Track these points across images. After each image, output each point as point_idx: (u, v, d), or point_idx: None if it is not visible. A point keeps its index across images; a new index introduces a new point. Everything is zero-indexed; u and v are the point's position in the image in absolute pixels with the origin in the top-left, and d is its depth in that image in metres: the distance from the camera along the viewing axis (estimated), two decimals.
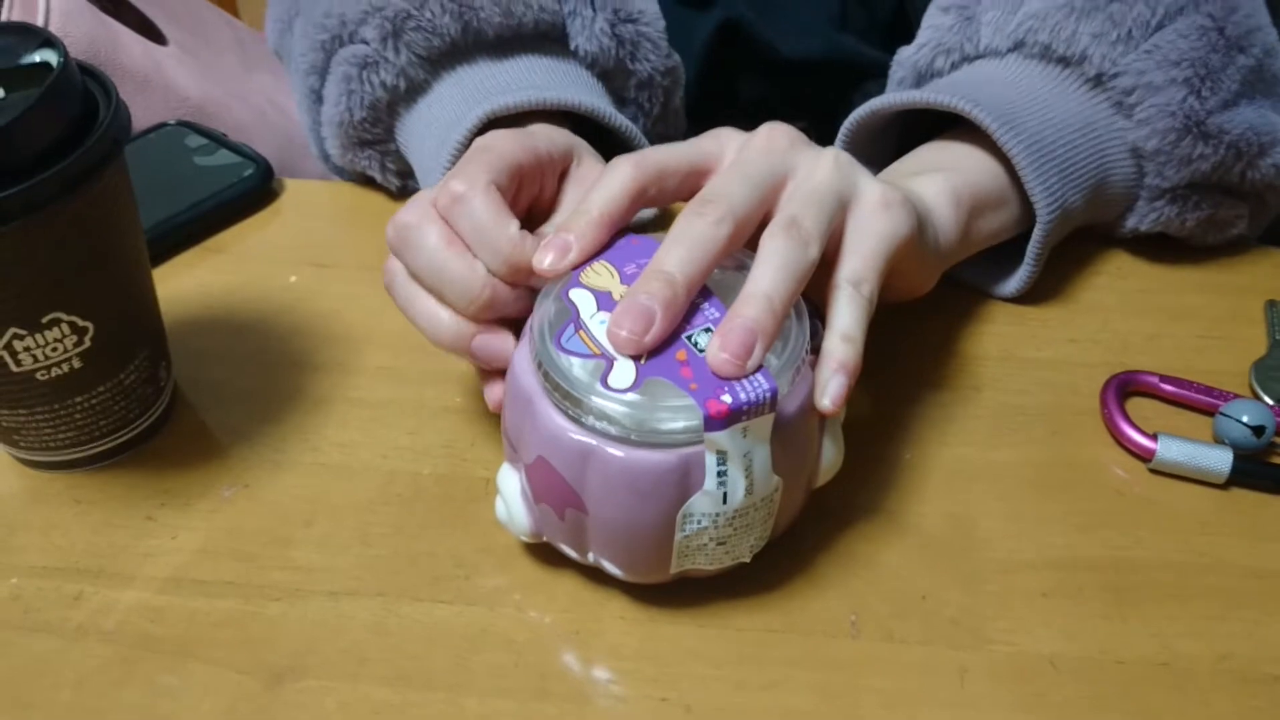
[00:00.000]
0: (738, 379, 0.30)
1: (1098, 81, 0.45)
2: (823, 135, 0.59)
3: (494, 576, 0.36)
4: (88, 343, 0.36)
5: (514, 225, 0.35)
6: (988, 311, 0.47)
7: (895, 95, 0.45)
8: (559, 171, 0.40)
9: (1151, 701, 0.33)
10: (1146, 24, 0.44)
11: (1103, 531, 0.38)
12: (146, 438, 0.41)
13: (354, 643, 0.34)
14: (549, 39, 0.49)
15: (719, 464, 0.31)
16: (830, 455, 0.35)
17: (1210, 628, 0.35)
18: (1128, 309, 0.47)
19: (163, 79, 0.66)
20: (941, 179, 0.43)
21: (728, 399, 0.30)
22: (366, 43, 0.47)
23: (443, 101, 0.48)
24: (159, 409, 0.41)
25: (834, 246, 0.35)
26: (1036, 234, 0.44)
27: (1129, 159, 0.46)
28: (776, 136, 0.37)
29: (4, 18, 0.62)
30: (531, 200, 0.39)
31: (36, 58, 0.35)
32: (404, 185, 0.53)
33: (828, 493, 0.36)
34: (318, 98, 0.51)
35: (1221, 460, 0.39)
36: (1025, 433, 0.42)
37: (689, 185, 0.37)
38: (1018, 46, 0.46)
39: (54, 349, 0.36)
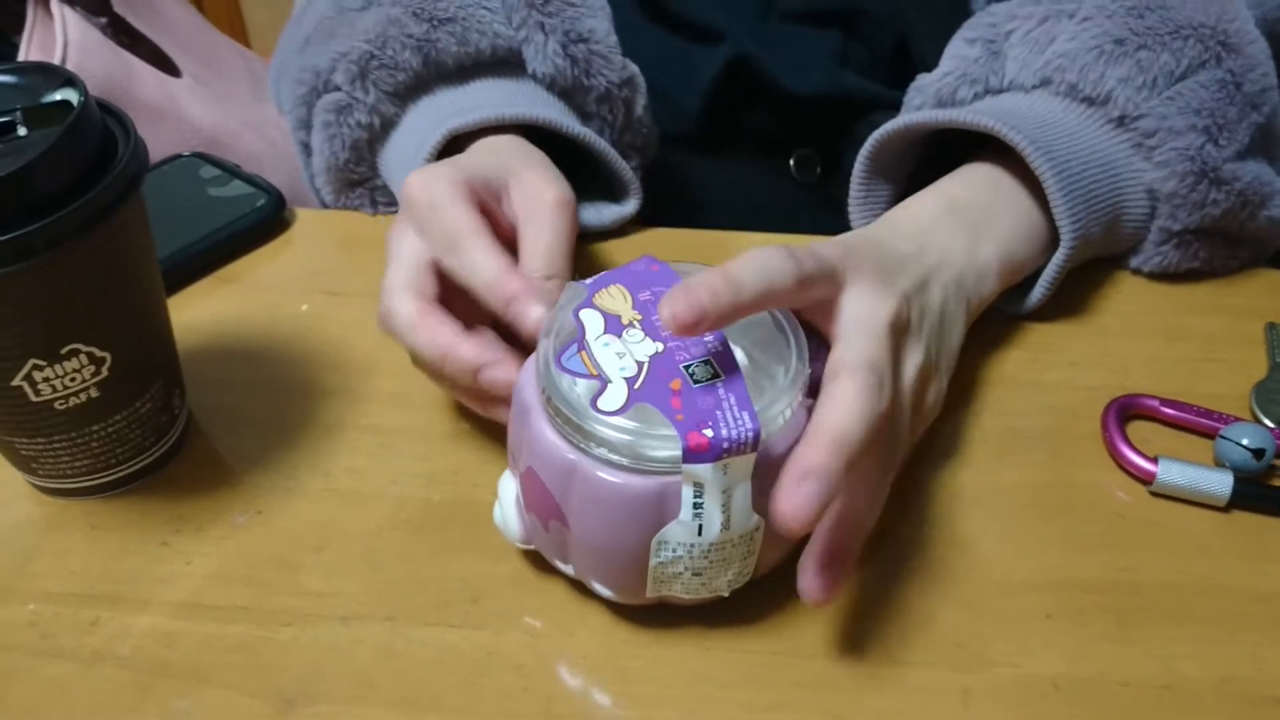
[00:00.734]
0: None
1: (1120, 122, 0.46)
2: (825, 163, 0.61)
3: (502, 600, 0.37)
4: (105, 372, 0.37)
5: (461, 344, 0.37)
6: (989, 335, 0.47)
7: (929, 113, 0.46)
8: (495, 197, 0.42)
9: None
10: (1171, 73, 0.45)
11: (1104, 554, 0.38)
12: (161, 465, 0.42)
13: (364, 667, 0.35)
14: (508, 64, 0.52)
15: (695, 496, 0.31)
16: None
17: (1212, 650, 0.35)
18: (1128, 332, 0.48)
19: (177, 110, 0.68)
20: (998, 261, 0.44)
21: (709, 433, 0.30)
22: (339, 88, 0.50)
23: (411, 130, 0.50)
24: (173, 437, 0.42)
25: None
26: (1058, 258, 0.46)
27: (1144, 199, 0.47)
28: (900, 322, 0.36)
29: (23, 52, 0.64)
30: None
31: (58, 96, 0.36)
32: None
33: None
34: (308, 150, 0.54)
35: (1222, 483, 0.39)
36: (1027, 455, 0.42)
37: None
38: (1044, 83, 0.47)
39: (72, 379, 0.36)
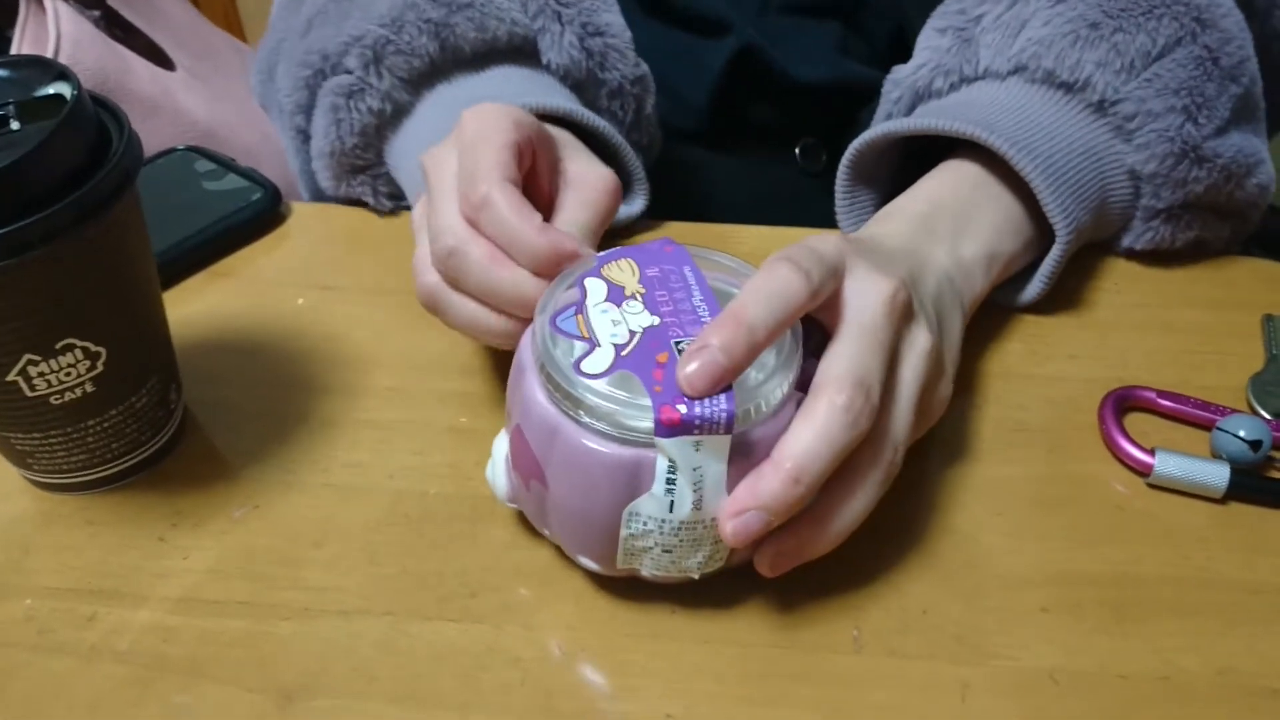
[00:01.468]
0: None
1: (1099, 107, 0.46)
2: (831, 152, 0.60)
3: (501, 594, 0.37)
4: (100, 367, 0.37)
5: (537, 220, 0.36)
6: (987, 328, 0.47)
7: (910, 120, 0.46)
8: (546, 151, 0.42)
9: (1152, 716, 0.33)
10: (1148, 54, 0.45)
11: (1102, 547, 0.38)
12: (158, 460, 0.41)
13: (363, 661, 0.35)
14: (522, 53, 0.51)
15: (669, 471, 0.31)
16: None
17: (1210, 642, 0.35)
18: (1126, 324, 0.48)
19: (171, 104, 0.68)
20: (984, 260, 0.44)
21: (682, 409, 0.30)
22: (350, 72, 0.49)
23: (426, 119, 0.50)
24: (170, 431, 0.42)
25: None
26: (1054, 254, 0.46)
27: (1127, 181, 0.47)
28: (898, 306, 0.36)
29: (16, 45, 0.64)
30: (526, 172, 0.40)
31: (51, 90, 0.36)
32: (395, 207, 0.54)
33: None
34: (305, 137, 0.53)
35: (1219, 475, 0.39)
36: (1025, 448, 0.42)
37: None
38: (1019, 70, 0.47)
39: (67, 374, 0.36)
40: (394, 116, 0.50)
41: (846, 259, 0.35)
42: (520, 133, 0.39)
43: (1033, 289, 0.47)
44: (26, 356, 0.35)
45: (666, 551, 0.33)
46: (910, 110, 0.50)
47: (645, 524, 0.32)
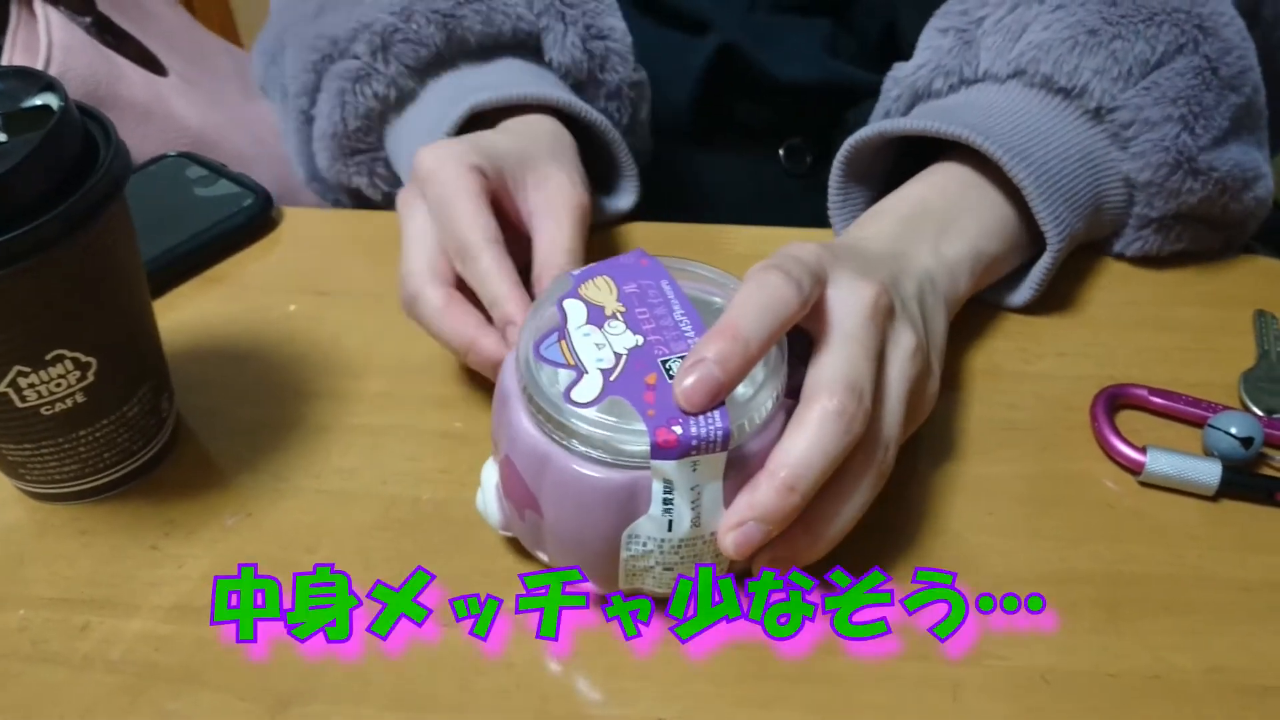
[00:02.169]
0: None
1: (1096, 114, 0.46)
2: (818, 152, 0.60)
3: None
4: (91, 378, 0.37)
5: (483, 338, 0.39)
6: (976, 326, 0.47)
7: (905, 121, 0.46)
8: (504, 180, 0.43)
9: (1144, 714, 0.33)
10: (1146, 62, 0.45)
11: (1093, 545, 0.38)
12: (150, 468, 0.41)
13: (357, 668, 0.35)
14: (526, 49, 0.52)
15: (665, 491, 0.31)
16: None
17: (1202, 640, 0.35)
18: (1116, 321, 0.48)
19: (164, 109, 0.67)
20: (969, 260, 0.44)
21: (678, 430, 0.30)
22: (358, 58, 0.50)
23: (428, 106, 0.51)
24: (162, 440, 0.42)
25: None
26: (1045, 261, 0.46)
27: (1121, 188, 0.47)
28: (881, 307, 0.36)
29: (6, 52, 0.64)
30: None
31: (38, 101, 0.36)
32: (390, 194, 0.55)
33: None
34: (308, 119, 0.54)
35: (1210, 472, 0.39)
36: (1016, 447, 0.42)
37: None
38: (1018, 74, 0.47)
39: (58, 385, 0.36)
40: (398, 103, 0.51)
41: (827, 267, 0.35)
42: (481, 180, 0.41)
43: (1023, 293, 0.47)
44: (16, 368, 0.35)
45: (668, 569, 0.33)
46: (909, 109, 0.50)
47: (645, 545, 0.32)
